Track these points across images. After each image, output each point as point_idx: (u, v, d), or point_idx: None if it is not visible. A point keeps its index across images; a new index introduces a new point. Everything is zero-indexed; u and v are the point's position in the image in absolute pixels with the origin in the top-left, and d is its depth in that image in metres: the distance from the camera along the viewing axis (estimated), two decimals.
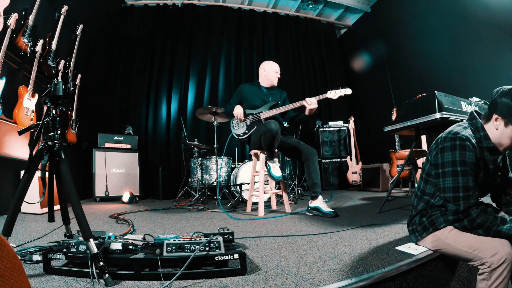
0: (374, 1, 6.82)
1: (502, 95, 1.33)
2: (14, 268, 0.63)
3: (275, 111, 3.26)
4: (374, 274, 1.21)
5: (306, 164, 3.15)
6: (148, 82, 6.47)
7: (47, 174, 1.52)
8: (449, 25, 4.72)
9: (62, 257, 1.29)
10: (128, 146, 5.32)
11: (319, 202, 2.98)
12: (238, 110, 3.28)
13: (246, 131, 3.33)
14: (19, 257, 1.38)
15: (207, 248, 1.28)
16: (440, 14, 4.85)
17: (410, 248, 1.52)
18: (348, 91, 3.21)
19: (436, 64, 4.86)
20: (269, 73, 3.52)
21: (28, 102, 3.45)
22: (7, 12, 3.06)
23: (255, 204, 3.65)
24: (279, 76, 3.55)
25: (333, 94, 3.20)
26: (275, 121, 2.99)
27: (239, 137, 3.38)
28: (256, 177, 3.43)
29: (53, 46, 3.83)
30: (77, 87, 4.64)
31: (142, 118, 6.30)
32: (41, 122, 1.47)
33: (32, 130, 1.51)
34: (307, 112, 3.17)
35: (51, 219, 1.64)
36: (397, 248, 1.55)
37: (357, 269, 1.27)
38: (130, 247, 1.34)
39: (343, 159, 6.24)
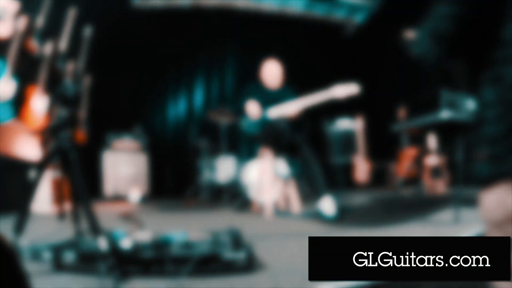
0: None
1: None
2: (12, 267, 0.64)
3: (279, 111, 3.26)
4: None
5: (306, 166, 3.10)
6: (156, 82, 6.52)
7: (57, 173, 1.56)
8: None
9: (72, 254, 1.32)
10: (137, 146, 5.36)
11: (322, 205, 2.69)
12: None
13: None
14: (31, 254, 1.42)
15: (214, 247, 1.30)
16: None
17: None
18: (354, 88, 2.86)
19: (445, 61, 4.81)
20: (264, 76, 3.52)
21: (38, 103, 3.50)
22: (16, 15, 3.12)
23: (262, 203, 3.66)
24: (274, 76, 3.49)
25: (338, 91, 2.91)
26: (282, 120, 3.00)
27: (249, 134, 3.39)
28: (264, 176, 3.44)
29: (62, 48, 3.89)
30: (86, 87, 4.70)
31: (150, 118, 6.36)
32: (52, 123, 1.51)
33: (42, 131, 1.55)
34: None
35: (61, 217, 1.67)
36: None
37: None
38: (139, 244, 1.36)
39: (350, 159, 6.20)
